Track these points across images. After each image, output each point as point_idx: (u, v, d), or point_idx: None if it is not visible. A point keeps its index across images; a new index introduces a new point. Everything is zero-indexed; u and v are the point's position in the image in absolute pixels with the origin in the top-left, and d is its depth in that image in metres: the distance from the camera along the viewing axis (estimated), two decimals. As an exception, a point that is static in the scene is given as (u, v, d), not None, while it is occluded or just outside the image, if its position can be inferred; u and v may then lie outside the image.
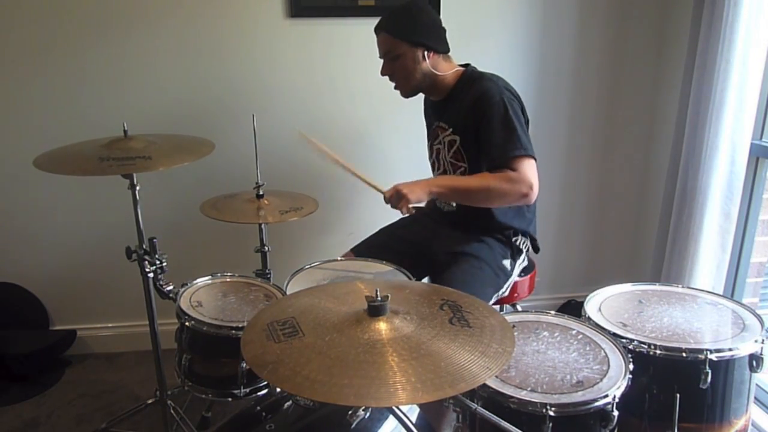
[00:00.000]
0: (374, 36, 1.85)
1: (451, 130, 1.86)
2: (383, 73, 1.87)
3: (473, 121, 1.78)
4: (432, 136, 1.98)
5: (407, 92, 1.90)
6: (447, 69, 1.86)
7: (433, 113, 1.97)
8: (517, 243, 1.92)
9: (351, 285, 1.30)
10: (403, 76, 1.85)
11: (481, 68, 1.90)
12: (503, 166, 1.72)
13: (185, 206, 2.38)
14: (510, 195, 1.73)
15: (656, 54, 2.58)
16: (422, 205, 1.85)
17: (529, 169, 1.72)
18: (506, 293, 1.92)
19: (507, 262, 1.89)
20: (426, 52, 1.80)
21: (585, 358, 1.38)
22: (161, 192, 2.42)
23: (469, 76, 1.86)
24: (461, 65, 1.90)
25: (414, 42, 1.79)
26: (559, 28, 2.51)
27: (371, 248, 1.98)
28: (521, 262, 1.96)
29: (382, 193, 1.79)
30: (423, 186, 1.75)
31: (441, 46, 1.84)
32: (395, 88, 1.90)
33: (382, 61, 1.87)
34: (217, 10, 2.32)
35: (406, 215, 1.79)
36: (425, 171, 2.08)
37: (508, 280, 1.90)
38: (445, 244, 1.91)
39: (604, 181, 2.74)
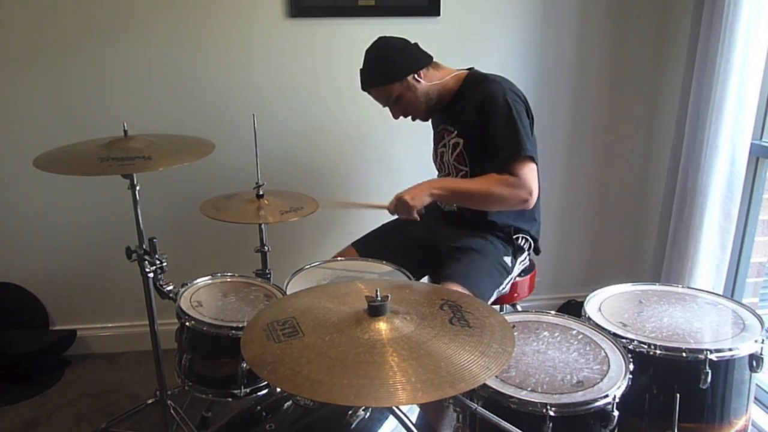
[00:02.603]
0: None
1: (456, 132, 1.87)
2: (395, 117, 1.91)
3: (478, 123, 1.78)
4: (437, 140, 1.98)
5: (424, 118, 1.94)
6: (443, 75, 1.87)
7: (438, 117, 1.97)
8: (519, 241, 1.92)
9: (351, 285, 1.30)
10: (413, 109, 1.88)
11: (481, 69, 1.90)
12: (505, 169, 1.72)
13: (185, 206, 2.38)
14: (509, 200, 1.73)
15: (656, 54, 2.58)
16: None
17: (529, 174, 1.72)
18: (506, 290, 1.92)
19: (508, 259, 1.89)
20: (415, 75, 1.82)
21: (585, 358, 1.38)
22: (161, 192, 2.42)
23: (473, 78, 1.86)
24: (466, 69, 1.90)
25: (401, 77, 1.80)
26: (559, 28, 2.51)
27: (372, 245, 1.98)
28: (522, 260, 1.96)
29: (387, 207, 1.80)
30: (424, 189, 1.75)
31: (423, 61, 1.85)
32: (413, 120, 1.93)
33: None
34: (218, 10, 2.32)
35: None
36: (427, 171, 2.08)
37: (508, 276, 1.90)
38: (447, 239, 1.91)
39: (604, 181, 2.74)
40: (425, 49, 1.88)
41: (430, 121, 2.08)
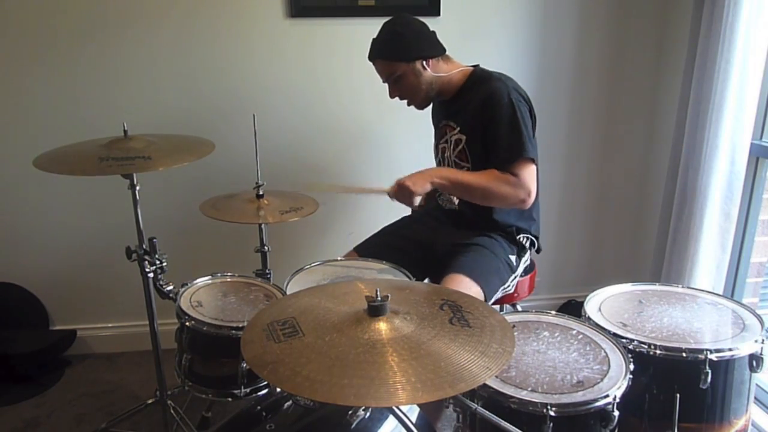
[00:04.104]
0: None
1: (458, 129, 1.87)
2: (392, 96, 1.89)
3: (481, 120, 1.78)
4: (439, 135, 1.98)
5: (420, 105, 1.92)
6: (450, 69, 1.87)
7: (441, 112, 1.97)
8: (521, 240, 1.92)
9: (351, 285, 1.29)
10: (411, 93, 1.86)
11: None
12: (506, 169, 1.73)
13: (185, 206, 2.38)
14: (508, 199, 1.75)
15: (656, 54, 2.58)
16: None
17: (529, 175, 1.73)
18: (511, 289, 1.92)
19: (513, 258, 1.90)
20: (424, 62, 1.81)
21: (585, 358, 1.38)
22: (161, 192, 2.42)
23: (479, 75, 1.86)
24: (471, 66, 1.90)
25: (410, 58, 1.80)
26: (559, 27, 2.51)
27: (373, 248, 1.98)
28: (525, 260, 1.97)
29: (387, 192, 1.79)
30: (426, 176, 1.75)
31: (436, 50, 1.84)
32: (408, 104, 1.91)
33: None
34: (217, 10, 2.32)
35: (411, 212, 1.79)
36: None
37: (513, 274, 1.90)
38: (449, 239, 1.91)
39: (604, 181, 2.74)
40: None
41: (431, 119, 2.08)
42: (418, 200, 1.75)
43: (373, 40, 1.84)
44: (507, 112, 1.74)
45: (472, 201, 1.85)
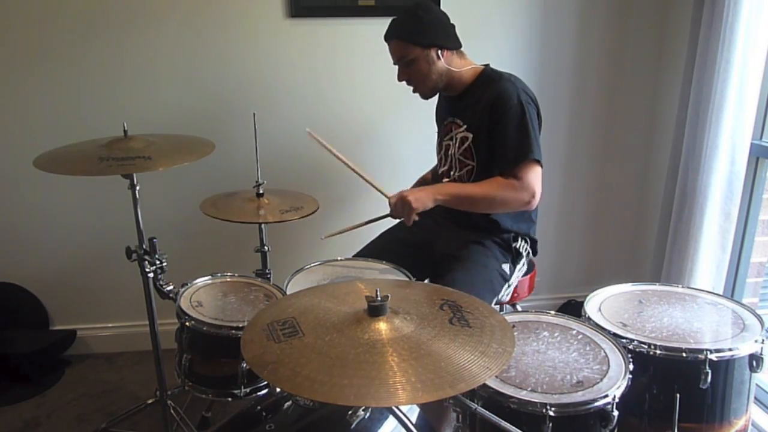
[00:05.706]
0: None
1: (465, 127, 1.86)
2: (400, 79, 1.87)
3: (489, 120, 1.78)
4: (444, 132, 1.98)
5: (426, 94, 1.91)
6: (462, 65, 1.86)
7: (447, 109, 1.97)
8: (517, 247, 1.91)
9: (351, 285, 1.30)
10: (420, 79, 1.85)
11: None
12: (510, 171, 1.73)
13: (185, 206, 2.38)
14: (512, 203, 1.75)
15: (656, 54, 2.58)
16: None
17: (534, 177, 1.73)
18: (506, 298, 1.91)
19: (507, 267, 1.89)
20: (439, 51, 1.80)
21: (585, 358, 1.38)
22: (161, 192, 2.42)
23: (489, 75, 1.86)
24: (482, 65, 1.90)
25: (426, 44, 1.79)
26: (559, 27, 2.51)
27: (373, 253, 1.97)
28: (521, 267, 1.96)
29: (387, 197, 1.79)
30: (429, 194, 1.76)
31: (452, 43, 1.84)
32: (414, 91, 1.90)
33: (389, 62, 1.86)
34: (217, 10, 2.32)
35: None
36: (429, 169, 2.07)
37: (506, 284, 1.89)
38: (446, 244, 1.91)
39: (604, 181, 2.74)
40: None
41: (434, 116, 2.08)
42: (415, 217, 1.75)
43: (393, 20, 1.83)
44: (516, 113, 1.73)
45: (477, 211, 1.85)
